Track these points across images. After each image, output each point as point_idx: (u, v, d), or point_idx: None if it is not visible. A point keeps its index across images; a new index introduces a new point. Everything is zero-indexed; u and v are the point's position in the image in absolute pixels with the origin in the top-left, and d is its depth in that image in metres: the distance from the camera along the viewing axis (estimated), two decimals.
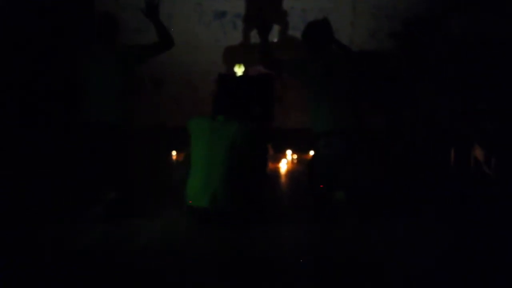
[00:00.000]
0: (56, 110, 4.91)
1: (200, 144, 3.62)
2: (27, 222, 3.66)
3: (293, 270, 3.00)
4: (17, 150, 4.64)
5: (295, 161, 5.25)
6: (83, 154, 4.02)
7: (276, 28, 5.75)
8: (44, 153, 4.71)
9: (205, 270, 2.98)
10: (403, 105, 5.44)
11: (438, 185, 4.38)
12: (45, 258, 3.13)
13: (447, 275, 2.92)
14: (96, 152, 3.94)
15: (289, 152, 5.33)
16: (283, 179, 4.68)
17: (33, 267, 3.00)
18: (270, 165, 4.77)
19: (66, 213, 3.79)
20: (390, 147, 5.28)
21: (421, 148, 5.18)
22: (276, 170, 4.91)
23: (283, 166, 5.03)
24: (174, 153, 5.45)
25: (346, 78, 3.94)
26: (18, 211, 3.86)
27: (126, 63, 3.98)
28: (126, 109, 4.02)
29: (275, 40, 5.82)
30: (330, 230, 3.57)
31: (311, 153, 5.17)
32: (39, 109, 4.89)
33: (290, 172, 4.86)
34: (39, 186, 4.28)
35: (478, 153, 4.23)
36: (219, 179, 3.53)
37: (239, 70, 5.40)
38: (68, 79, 4.46)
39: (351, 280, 2.88)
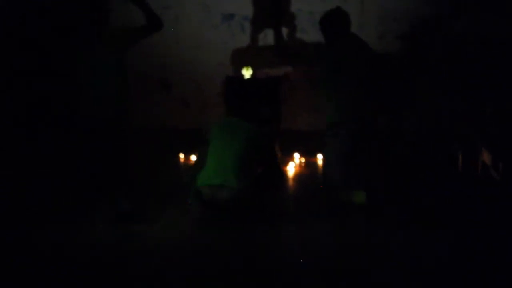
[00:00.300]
0: (56, 110, 4.91)
1: (216, 140, 3.78)
2: (27, 222, 3.66)
3: (293, 270, 3.01)
4: (17, 150, 4.64)
5: (303, 164, 5.20)
6: (83, 153, 4.02)
7: (284, 31, 5.78)
8: (44, 153, 4.71)
9: (206, 272, 2.99)
10: (405, 106, 5.44)
11: (438, 185, 4.38)
12: (45, 258, 3.14)
13: (447, 275, 2.92)
14: (97, 151, 3.94)
15: (296, 155, 5.28)
16: (290, 182, 4.65)
17: (33, 267, 3.01)
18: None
19: (66, 213, 3.80)
20: (391, 148, 5.27)
21: (421, 148, 5.18)
22: (284, 173, 4.87)
23: (291, 169, 4.98)
24: (181, 155, 5.41)
25: (354, 75, 3.89)
26: (18, 211, 3.86)
27: (116, 47, 3.94)
28: (122, 98, 3.99)
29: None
30: (330, 230, 3.57)
31: (319, 156, 5.17)
32: (39, 109, 4.89)
33: (297, 176, 4.83)
34: (39, 186, 4.28)
35: (486, 157, 4.23)
36: (231, 166, 3.65)
37: (246, 72, 5.38)
38: (68, 78, 4.46)
39: (351, 280, 2.88)
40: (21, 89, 4.80)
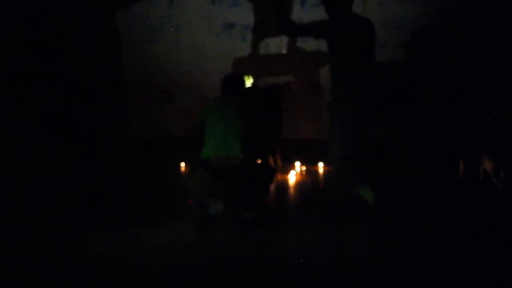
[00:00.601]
0: (56, 110, 4.91)
1: (215, 116, 3.79)
2: (27, 222, 3.66)
3: (293, 270, 3.01)
4: (17, 150, 4.64)
5: (304, 172, 5.20)
6: (83, 153, 4.02)
7: (284, 40, 5.81)
8: (44, 153, 4.71)
9: (206, 272, 2.99)
10: (411, 112, 5.43)
11: (439, 185, 4.38)
12: (45, 258, 3.14)
13: (447, 275, 2.92)
14: (97, 151, 3.94)
15: (297, 164, 5.28)
16: (291, 191, 4.65)
17: (33, 267, 3.01)
18: (279, 177, 4.78)
19: (66, 213, 3.80)
20: (396, 153, 5.25)
21: (421, 148, 5.17)
22: (285, 182, 4.86)
23: (292, 177, 4.97)
24: (182, 164, 5.42)
25: (355, 54, 3.81)
26: (18, 211, 3.86)
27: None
28: (122, 98, 3.98)
29: (284, 51, 5.85)
30: (331, 230, 3.57)
31: (320, 164, 5.16)
32: (39, 109, 4.89)
33: (298, 184, 4.82)
34: (39, 186, 4.28)
35: (487, 164, 4.22)
36: (235, 140, 3.67)
37: (248, 81, 5.39)
38: (68, 78, 4.46)
39: (351, 280, 2.88)
40: (22, 89, 4.80)
